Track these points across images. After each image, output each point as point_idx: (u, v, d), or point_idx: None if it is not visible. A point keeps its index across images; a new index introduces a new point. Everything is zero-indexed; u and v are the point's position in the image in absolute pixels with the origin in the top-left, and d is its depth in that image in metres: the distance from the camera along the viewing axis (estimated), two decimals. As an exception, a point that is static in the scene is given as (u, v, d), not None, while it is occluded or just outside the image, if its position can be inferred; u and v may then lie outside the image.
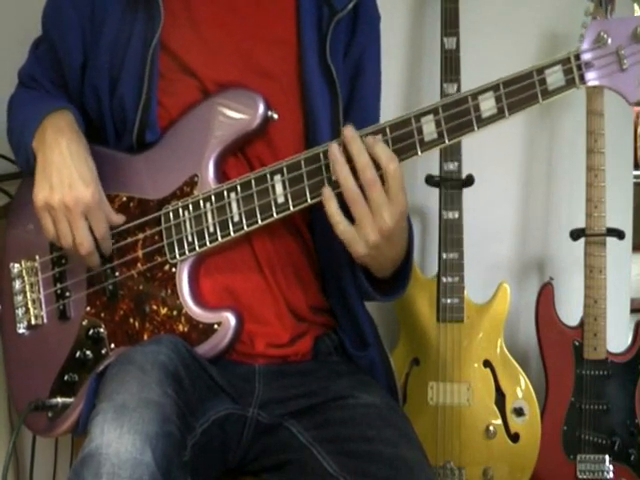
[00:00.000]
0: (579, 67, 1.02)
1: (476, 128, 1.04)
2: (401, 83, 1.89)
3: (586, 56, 1.02)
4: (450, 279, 1.70)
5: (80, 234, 1.13)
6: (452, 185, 1.71)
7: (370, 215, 1.04)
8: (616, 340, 1.79)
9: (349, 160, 1.05)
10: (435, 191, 1.74)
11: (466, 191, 1.72)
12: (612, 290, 1.76)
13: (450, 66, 1.72)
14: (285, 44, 1.22)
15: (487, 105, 1.04)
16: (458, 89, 1.71)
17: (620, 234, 1.76)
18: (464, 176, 1.72)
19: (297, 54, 1.21)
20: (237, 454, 1.16)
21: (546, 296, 1.78)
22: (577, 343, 1.74)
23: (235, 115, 1.15)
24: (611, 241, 1.76)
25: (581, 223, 1.76)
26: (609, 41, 1.01)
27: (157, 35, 1.17)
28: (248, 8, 1.22)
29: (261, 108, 1.14)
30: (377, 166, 1.04)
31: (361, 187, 1.04)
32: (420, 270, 1.77)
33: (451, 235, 1.71)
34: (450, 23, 1.73)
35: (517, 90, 1.03)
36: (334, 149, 1.05)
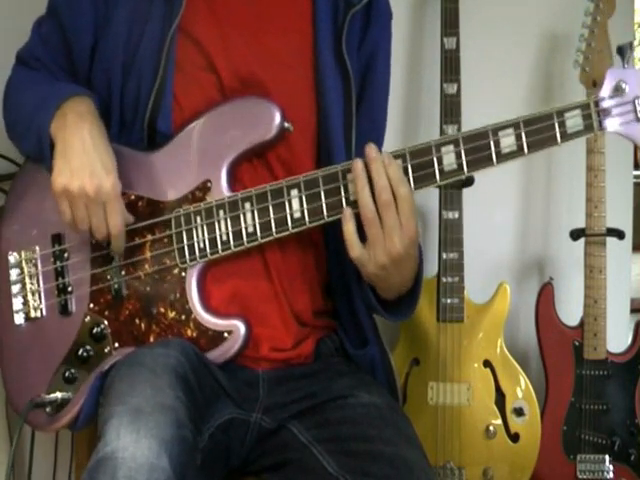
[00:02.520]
0: (598, 114, 1.04)
1: (495, 163, 1.07)
2: (401, 83, 1.89)
3: (605, 104, 1.05)
4: (450, 279, 1.70)
5: (97, 223, 1.11)
6: (452, 185, 1.71)
7: (382, 237, 1.04)
8: (616, 340, 1.79)
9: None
10: (435, 191, 1.74)
11: (466, 191, 1.72)
12: (612, 290, 1.76)
13: (450, 66, 1.72)
14: (301, 34, 1.21)
15: (507, 142, 1.06)
16: (458, 89, 1.71)
17: (620, 234, 1.76)
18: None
19: (312, 45, 1.21)
20: (240, 457, 1.16)
21: (546, 296, 1.78)
22: (577, 343, 1.74)
23: (251, 125, 1.15)
24: (611, 241, 1.76)
25: (581, 223, 1.76)
26: (627, 90, 1.04)
27: (177, 20, 1.15)
28: None
29: (277, 119, 1.14)
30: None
31: (377, 208, 1.05)
32: (420, 270, 1.78)
33: (451, 235, 1.71)
34: (450, 23, 1.74)
35: (537, 130, 1.05)
36: (359, 165, 1.06)
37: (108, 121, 1.21)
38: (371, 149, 1.06)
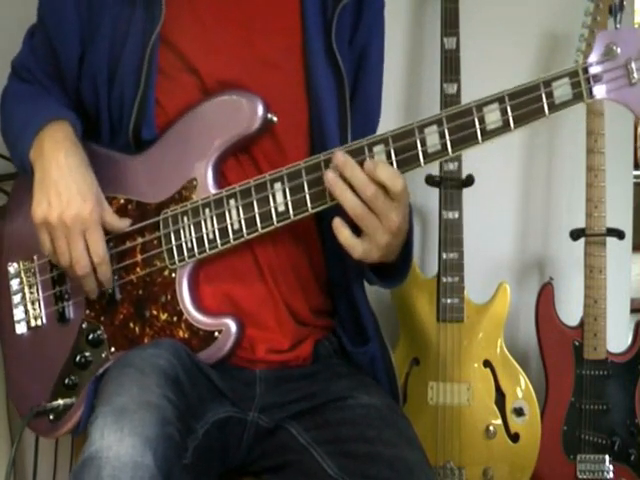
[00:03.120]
0: (587, 80, 0.99)
1: (481, 140, 1.02)
2: (401, 83, 1.89)
3: (594, 69, 0.98)
4: (450, 279, 1.70)
5: (77, 253, 1.11)
6: (452, 185, 1.71)
7: (379, 223, 1.04)
8: (616, 340, 1.79)
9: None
10: (435, 191, 1.74)
11: (466, 191, 1.72)
12: (612, 290, 1.76)
13: (450, 66, 1.72)
14: (289, 32, 1.20)
15: (492, 117, 1.02)
16: (458, 89, 1.71)
17: (620, 234, 1.76)
18: (464, 176, 1.72)
19: (301, 42, 1.19)
20: (237, 456, 1.16)
21: (546, 296, 1.78)
22: (577, 343, 1.74)
23: (234, 118, 1.13)
24: (611, 241, 1.76)
25: (581, 223, 1.76)
26: (618, 52, 0.98)
27: (157, 28, 1.14)
28: None
29: (260, 111, 1.12)
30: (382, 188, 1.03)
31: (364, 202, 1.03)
32: (420, 270, 1.77)
33: (451, 235, 1.71)
34: (450, 23, 1.73)
35: (523, 103, 1.00)
36: (329, 176, 1.04)
37: (99, 128, 1.21)
38: (336, 156, 1.04)
